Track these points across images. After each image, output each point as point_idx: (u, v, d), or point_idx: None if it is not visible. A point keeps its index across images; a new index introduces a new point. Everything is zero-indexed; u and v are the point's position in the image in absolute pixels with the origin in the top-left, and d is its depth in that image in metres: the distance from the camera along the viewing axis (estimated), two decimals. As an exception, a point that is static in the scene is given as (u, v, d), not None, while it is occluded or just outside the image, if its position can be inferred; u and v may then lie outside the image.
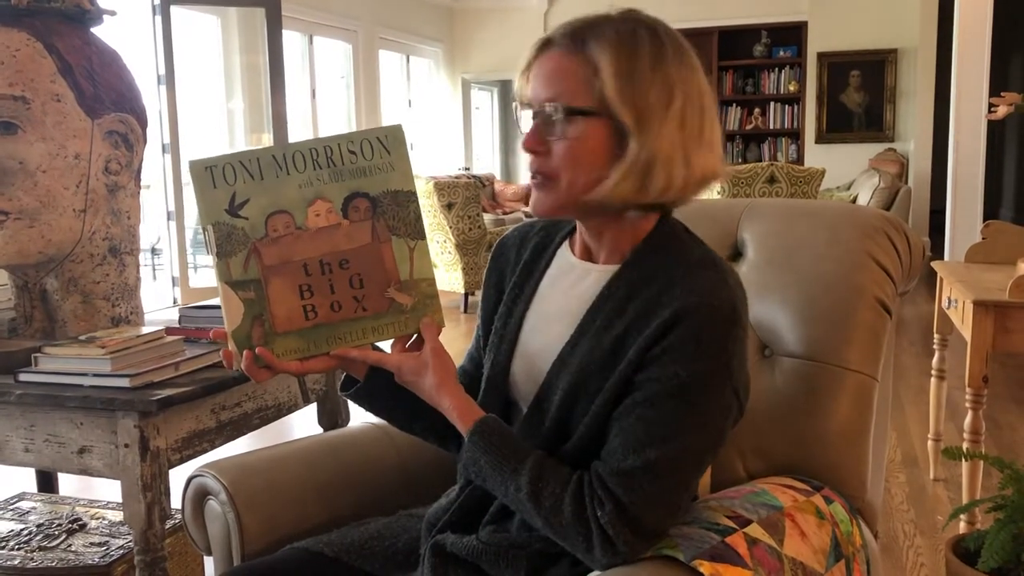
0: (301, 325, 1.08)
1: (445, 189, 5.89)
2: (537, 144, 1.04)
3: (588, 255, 1.15)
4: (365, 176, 1.07)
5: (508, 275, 1.25)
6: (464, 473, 1.09)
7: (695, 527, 1.06)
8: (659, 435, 0.99)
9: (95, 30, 1.84)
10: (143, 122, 1.83)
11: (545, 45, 1.05)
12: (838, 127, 8.92)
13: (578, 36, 1.02)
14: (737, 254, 1.48)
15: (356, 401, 1.21)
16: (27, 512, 2.16)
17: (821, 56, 8.81)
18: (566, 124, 1.02)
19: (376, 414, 1.24)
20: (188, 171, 1.08)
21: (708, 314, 0.99)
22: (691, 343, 0.99)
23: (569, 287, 1.15)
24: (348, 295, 1.08)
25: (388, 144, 1.08)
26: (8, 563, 1.89)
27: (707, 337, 0.99)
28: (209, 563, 1.55)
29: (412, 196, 1.08)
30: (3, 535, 2.02)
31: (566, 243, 1.20)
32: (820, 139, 8.95)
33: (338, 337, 1.09)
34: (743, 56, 9.31)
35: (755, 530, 1.07)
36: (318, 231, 1.07)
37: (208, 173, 1.05)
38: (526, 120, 1.07)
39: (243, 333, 1.07)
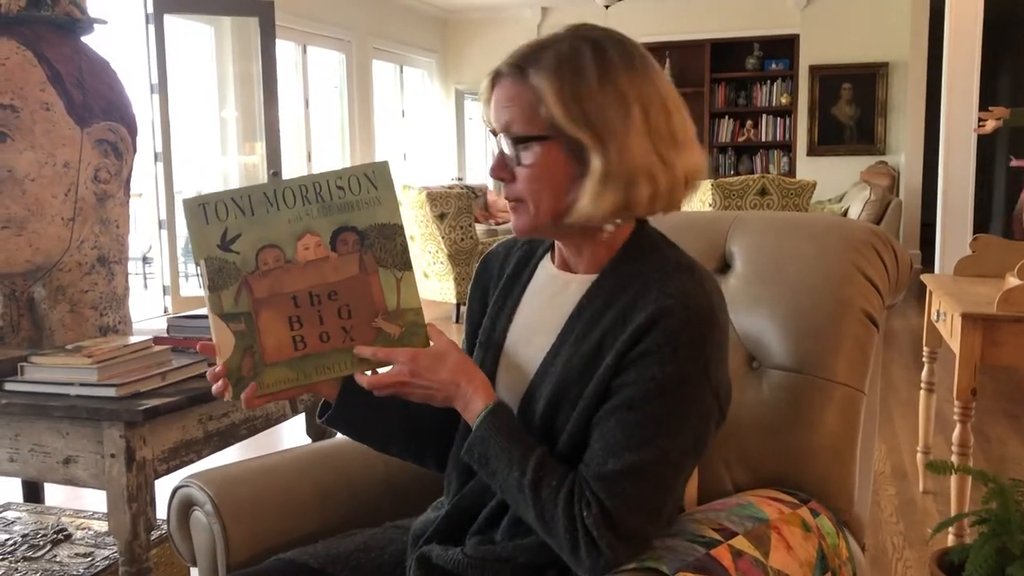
0: (290, 355, 1.10)
1: (437, 199, 5.89)
2: (500, 171, 1.08)
3: (568, 266, 1.16)
4: (353, 211, 1.10)
5: (492, 289, 1.26)
6: (467, 453, 1.07)
7: (680, 539, 1.05)
8: (639, 439, 1.00)
9: (86, 39, 1.84)
10: (133, 131, 1.82)
11: (496, 76, 1.08)
12: (830, 140, 8.96)
13: (520, 64, 1.05)
14: (725, 266, 1.48)
15: (332, 426, 1.22)
16: (12, 522, 2.15)
17: (813, 69, 8.86)
18: (522, 151, 1.05)
19: (352, 437, 1.25)
20: (182, 208, 1.11)
21: (684, 316, 1.00)
22: (668, 346, 1.00)
23: (550, 298, 1.16)
24: (336, 325, 1.10)
25: (375, 180, 1.11)
26: (-8, 573, 1.87)
27: (683, 339, 1.00)
28: (195, 573, 1.54)
29: (399, 229, 1.11)
30: (-12, 545, 2.00)
31: (548, 255, 1.21)
32: (812, 151, 8.99)
33: (326, 367, 1.11)
34: (735, 68, 9.35)
35: (740, 542, 1.07)
36: (307, 264, 1.10)
37: (201, 210, 1.09)
38: (496, 145, 1.10)
39: (234, 364, 1.09)
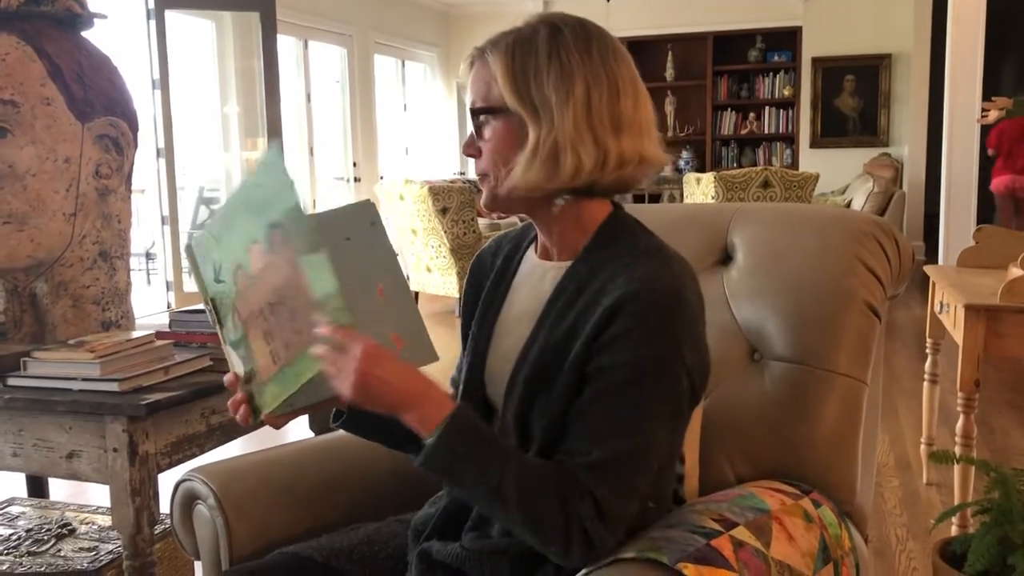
0: (272, 371, 1.07)
1: (440, 194, 5.89)
2: (468, 148, 1.14)
3: (548, 254, 1.18)
4: (271, 206, 1.04)
5: (484, 285, 1.27)
6: (426, 462, 1.01)
7: (680, 530, 1.06)
8: (622, 424, 1.01)
9: (86, 34, 1.84)
10: (134, 126, 1.82)
11: (471, 61, 1.13)
12: (832, 132, 8.94)
13: (484, 47, 1.11)
14: (727, 258, 1.48)
15: (347, 430, 1.23)
16: (16, 517, 2.15)
17: (816, 61, 8.83)
18: (483, 126, 1.11)
19: (367, 439, 1.25)
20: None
21: (650, 299, 1.02)
22: (637, 329, 1.01)
23: (532, 288, 1.18)
24: (290, 330, 1.05)
25: (269, 165, 1.05)
26: (-3, 568, 1.88)
27: (652, 321, 1.01)
28: (199, 568, 1.55)
29: (299, 209, 1.02)
30: (-7, 540, 2.01)
31: (532, 246, 1.23)
32: (815, 144, 8.96)
33: (297, 374, 1.05)
34: (738, 61, 9.32)
35: (741, 533, 1.07)
36: (259, 274, 1.06)
37: (191, 251, 1.11)
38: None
39: (247, 390, 1.11)
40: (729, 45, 9.28)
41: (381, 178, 8.05)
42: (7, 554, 1.94)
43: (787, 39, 9.05)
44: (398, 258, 1.27)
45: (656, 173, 1.17)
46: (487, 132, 1.10)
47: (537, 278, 1.18)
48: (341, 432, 1.61)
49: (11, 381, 1.53)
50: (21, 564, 1.89)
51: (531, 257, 1.22)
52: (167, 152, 5.58)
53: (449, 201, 5.90)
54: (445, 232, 5.92)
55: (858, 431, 1.35)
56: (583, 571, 1.01)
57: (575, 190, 1.09)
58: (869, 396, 1.37)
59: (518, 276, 1.22)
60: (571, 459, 1.02)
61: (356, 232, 1.18)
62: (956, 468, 2.34)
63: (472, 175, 9.39)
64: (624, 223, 1.14)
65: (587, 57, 1.06)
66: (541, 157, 1.05)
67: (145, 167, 5.36)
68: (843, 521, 1.26)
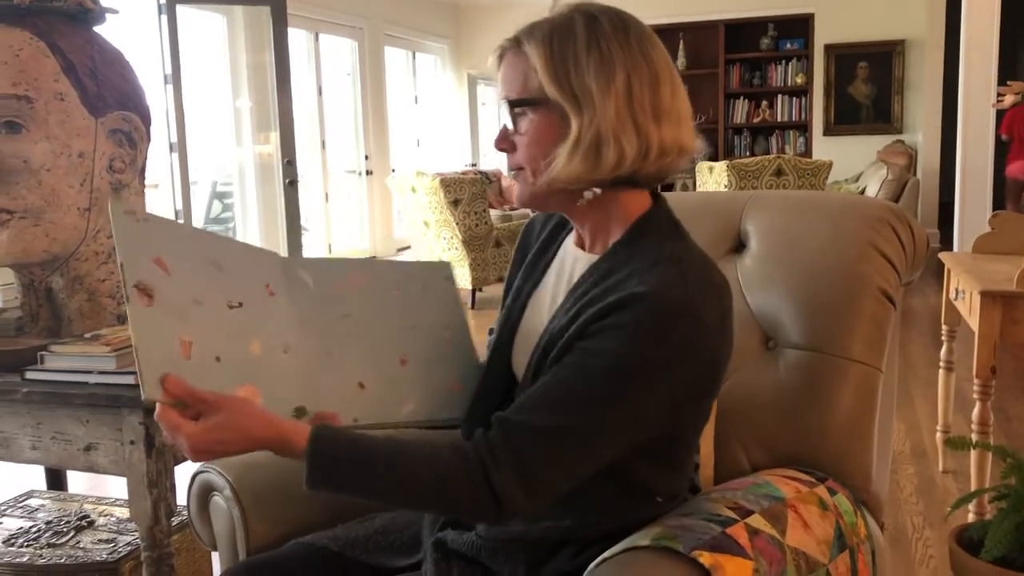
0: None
1: (451, 185, 5.89)
2: (501, 142, 1.11)
3: (581, 243, 1.17)
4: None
5: (529, 252, 1.28)
6: (312, 483, 0.99)
7: (695, 518, 1.06)
8: (576, 404, 0.99)
9: (98, 29, 1.84)
10: (147, 120, 1.83)
11: (501, 51, 1.11)
12: (846, 119, 8.88)
13: (519, 36, 1.09)
14: (740, 246, 1.48)
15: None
16: (36, 510, 2.17)
17: (828, 48, 8.77)
18: (518, 118, 1.08)
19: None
20: None
21: (652, 304, 0.98)
22: (630, 326, 0.99)
23: (562, 273, 1.18)
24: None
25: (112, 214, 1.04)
26: (17, 560, 1.90)
27: (648, 324, 0.98)
28: (215, 558, 1.56)
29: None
30: (12, 532, 2.03)
31: (573, 232, 1.22)
32: (828, 131, 8.91)
33: None
34: (749, 49, 9.26)
35: (757, 520, 1.07)
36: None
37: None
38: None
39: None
40: (741, 33, 9.22)
41: (393, 171, 8.06)
42: (27, 546, 1.96)
43: (799, 26, 8.98)
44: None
45: (689, 162, 1.14)
46: (524, 124, 1.08)
47: (568, 265, 1.17)
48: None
49: (29, 375, 1.54)
50: (41, 556, 1.91)
51: (568, 242, 1.21)
52: (180, 147, 5.60)
53: (461, 193, 5.90)
54: (457, 224, 5.92)
55: (873, 418, 1.34)
56: (595, 561, 1.02)
57: (616, 181, 1.07)
58: (884, 383, 1.36)
59: (556, 258, 1.22)
60: (516, 410, 1.01)
61: (432, 284, 1.32)
62: (973, 455, 2.33)
63: (484, 167, 9.36)
64: (657, 222, 1.11)
65: (626, 45, 1.04)
66: (583, 148, 1.03)
67: (158, 162, 5.38)
68: (859, 509, 1.25)
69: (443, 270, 1.35)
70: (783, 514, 1.11)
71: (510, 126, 1.10)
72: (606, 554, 1.01)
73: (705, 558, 0.97)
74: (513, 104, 1.08)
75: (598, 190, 1.08)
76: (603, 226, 1.12)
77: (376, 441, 1.02)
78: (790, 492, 1.17)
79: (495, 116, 11.07)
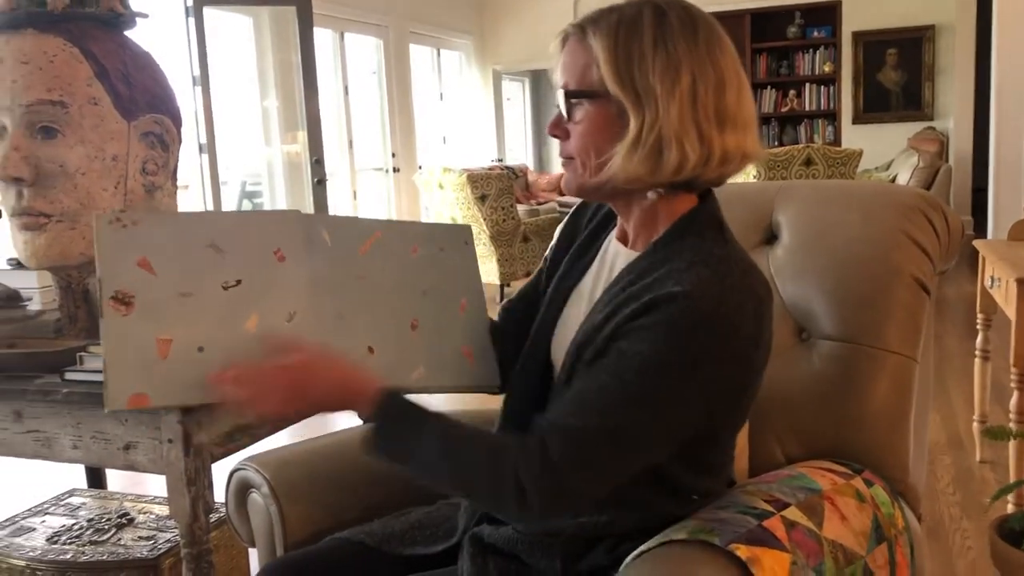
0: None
1: (478, 181, 5.90)
2: (554, 128, 1.10)
3: (624, 239, 1.16)
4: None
5: (577, 237, 1.27)
6: (375, 451, 1.06)
7: (731, 511, 1.05)
8: (607, 405, 0.99)
9: (128, 33, 1.87)
10: (178, 122, 1.85)
11: (564, 37, 1.09)
12: (875, 107, 8.77)
13: (583, 24, 1.06)
14: (772, 237, 1.47)
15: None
16: (78, 508, 2.21)
17: (856, 35, 8.67)
18: (575, 108, 1.07)
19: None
20: None
21: (685, 306, 0.97)
22: (661, 327, 0.98)
23: (602, 267, 1.18)
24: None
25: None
26: (61, 557, 1.93)
27: (679, 326, 0.97)
28: (254, 554, 1.58)
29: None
30: (56, 530, 2.07)
31: (617, 225, 1.21)
32: (857, 119, 8.81)
33: None
34: (776, 38, 9.18)
35: (793, 513, 1.07)
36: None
37: None
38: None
39: None
40: (767, 22, 9.14)
41: (420, 168, 8.08)
42: (70, 543, 1.99)
43: (826, 14, 8.88)
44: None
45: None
46: (579, 114, 1.06)
47: (610, 259, 1.17)
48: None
49: (69, 375, 1.56)
50: (84, 553, 1.94)
51: (612, 237, 1.20)
52: (209, 147, 5.65)
53: (488, 188, 5.91)
54: (484, 219, 5.93)
55: (909, 409, 1.33)
56: (632, 555, 1.02)
57: (674, 185, 1.06)
58: (920, 373, 1.35)
59: (601, 252, 1.21)
60: (549, 413, 1.02)
61: (450, 247, 1.30)
62: (1012, 444, 2.30)
63: (510, 162, 9.34)
64: (701, 221, 1.09)
65: (693, 46, 1.02)
66: (644, 149, 1.01)
67: (188, 163, 5.43)
68: (896, 500, 1.24)
69: (463, 233, 1.33)
70: (820, 506, 1.11)
71: (564, 113, 1.08)
72: (642, 548, 1.01)
73: (742, 551, 0.97)
74: (570, 95, 1.06)
75: (661, 190, 1.06)
76: (649, 223, 1.10)
77: (432, 413, 1.06)
78: (826, 484, 1.17)
79: (520, 112, 11.07)
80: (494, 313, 1.35)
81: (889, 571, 1.14)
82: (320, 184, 5.81)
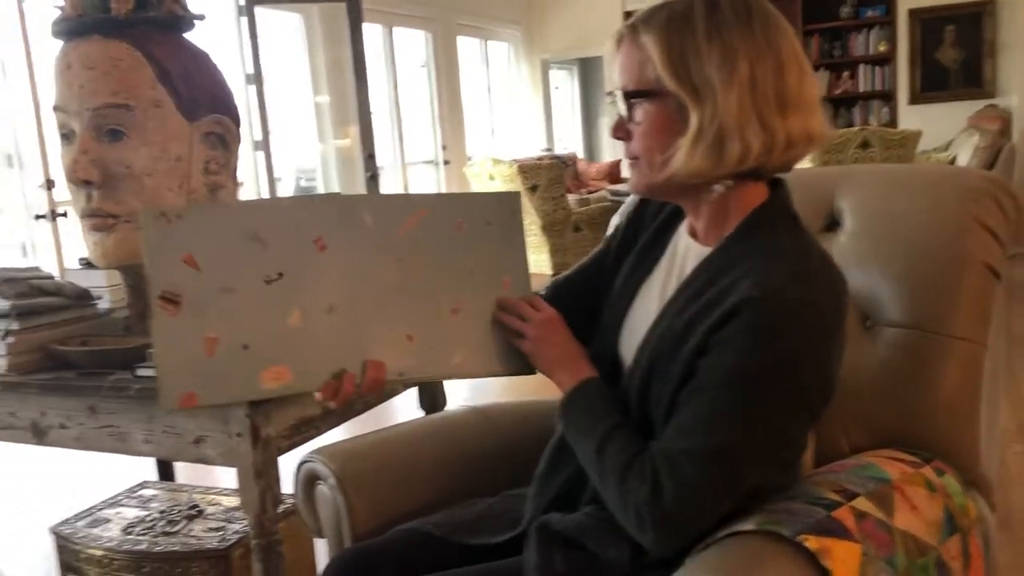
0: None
1: (528, 171, 5.90)
2: (617, 131, 1.10)
3: (694, 234, 1.15)
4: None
5: (642, 234, 1.26)
6: (563, 423, 1.17)
7: (799, 502, 1.04)
8: (709, 423, 0.98)
9: (187, 35, 1.90)
10: (237, 122, 1.88)
11: (618, 38, 1.09)
12: (933, 86, 8.55)
13: (636, 23, 1.06)
14: (834, 224, 1.45)
15: None
16: (149, 500, 2.28)
17: (912, 13, 8.45)
18: (634, 109, 1.06)
19: None
20: None
21: (769, 307, 0.97)
22: (749, 334, 0.97)
23: (674, 264, 1.17)
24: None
25: None
26: (136, 547, 1.99)
27: (765, 331, 0.96)
28: (320, 545, 1.61)
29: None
30: (130, 521, 2.13)
31: (686, 220, 1.20)
32: (914, 100, 8.60)
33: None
34: (829, 18, 8.99)
35: (863, 503, 1.05)
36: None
37: None
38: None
39: None
40: (819, 2, 8.95)
41: (469, 159, 8.11)
42: (144, 534, 2.05)
43: (881, -8, 8.68)
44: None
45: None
46: (639, 114, 1.06)
47: (680, 256, 1.16)
48: (450, 411, 1.65)
49: (140, 372, 1.61)
50: (157, 543, 2.00)
51: (682, 231, 1.19)
52: (264, 145, 5.74)
53: (538, 179, 5.90)
54: (536, 210, 5.93)
55: (980, 396, 1.30)
56: (699, 546, 1.01)
57: (739, 175, 1.05)
58: (990, 359, 1.32)
59: (670, 247, 1.20)
60: (656, 443, 1.03)
61: (497, 219, 1.25)
62: (1084, 432, 2.23)
63: (559, 151, 9.31)
64: (774, 214, 1.08)
65: (748, 33, 1.01)
66: (705, 142, 1.01)
67: (244, 160, 5.52)
68: (967, 490, 1.22)
69: (511, 202, 1.27)
70: (889, 496, 1.09)
71: (625, 115, 1.08)
72: (709, 539, 1.01)
73: (811, 542, 0.96)
74: (629, 95, 1.06)
75: (730, 182, 1.05)
76: (719, 218, 1.10)
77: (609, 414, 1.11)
78: (895, 473, 1.15)
79: (569, 100, 11.02)
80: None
81: (962, 563, 1.11)
82: (372, 179, 5.86)
